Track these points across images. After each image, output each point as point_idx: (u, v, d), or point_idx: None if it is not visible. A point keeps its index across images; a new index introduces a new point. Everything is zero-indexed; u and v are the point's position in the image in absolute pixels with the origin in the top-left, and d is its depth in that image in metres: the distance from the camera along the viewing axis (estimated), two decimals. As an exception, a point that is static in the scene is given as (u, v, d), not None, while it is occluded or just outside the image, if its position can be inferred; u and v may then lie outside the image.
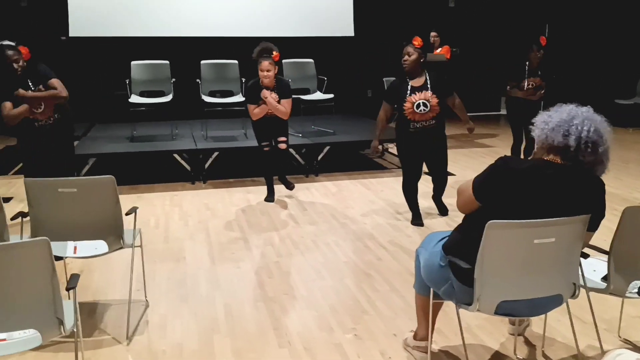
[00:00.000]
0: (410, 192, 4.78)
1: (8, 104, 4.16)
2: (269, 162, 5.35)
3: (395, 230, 4.64)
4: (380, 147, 4.83)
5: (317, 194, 5.74)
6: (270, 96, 4.96)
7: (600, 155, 2.24)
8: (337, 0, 8.85)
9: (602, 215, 2.28)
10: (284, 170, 5.55)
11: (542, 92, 6.04)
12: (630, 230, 2.46)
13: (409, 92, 4.47)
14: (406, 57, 4.45)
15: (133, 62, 6.93)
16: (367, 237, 4.49)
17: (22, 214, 3.25)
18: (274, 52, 4.99)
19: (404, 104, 4.47)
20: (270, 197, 5.43)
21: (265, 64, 4.89)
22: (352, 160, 7.17)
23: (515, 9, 10.21)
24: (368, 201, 5.47)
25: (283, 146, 5.24)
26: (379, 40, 9.16)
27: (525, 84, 6.02)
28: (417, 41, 4.46)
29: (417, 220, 4.76)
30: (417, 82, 4.49)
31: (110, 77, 7.71)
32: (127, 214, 3.16)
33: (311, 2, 8.60)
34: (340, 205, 5.33)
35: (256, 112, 5.04)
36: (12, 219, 3.25)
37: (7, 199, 3.31)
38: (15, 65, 4.09)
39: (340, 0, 8.85)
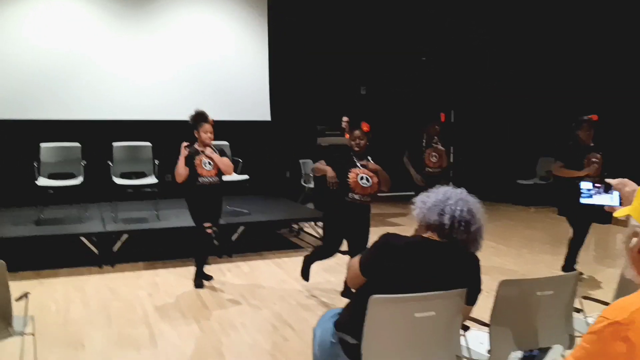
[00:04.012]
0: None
1: None
2: (208, 245, 5.34)
3: (305, 309, 4.67)
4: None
5: (230, 274, 5.70)
6: (212, 151, 5.09)
7: (472, 234, 2.40)
8: (254, 86, 9.07)
9: (479, 290, 2.44)
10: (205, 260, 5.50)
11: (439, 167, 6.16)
12: (505, 302, 2.62)
13: (356, 165, 4.63)
14: (358, 140, 4.65)
15: (42, 144, 6.80)
16: (275, 317, 4.48)
17: None
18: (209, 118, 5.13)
19: (349, 174, 4.58)
20: (200, 282, 5.26)
21: (208, 126, 5.06)
22: (267, 241, 7.20)
23: (422, 95, 10.91)
24: (280, 281, 5.48)
25: (210, 232, 5.26)
26: (294, 124, 9.46)
27: (427, 156, 6.11)
28: (366, 126, 4.68)
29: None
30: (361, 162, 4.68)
31: (18, 159, 7.38)
32: (17, 300, 3.04)
33: (228, 89, 8.73)
34: (251, 286, 5.31)
35: (180, 164, 4.99)
36: None
37: None
38: None
39: (257, 87, 9.09)
